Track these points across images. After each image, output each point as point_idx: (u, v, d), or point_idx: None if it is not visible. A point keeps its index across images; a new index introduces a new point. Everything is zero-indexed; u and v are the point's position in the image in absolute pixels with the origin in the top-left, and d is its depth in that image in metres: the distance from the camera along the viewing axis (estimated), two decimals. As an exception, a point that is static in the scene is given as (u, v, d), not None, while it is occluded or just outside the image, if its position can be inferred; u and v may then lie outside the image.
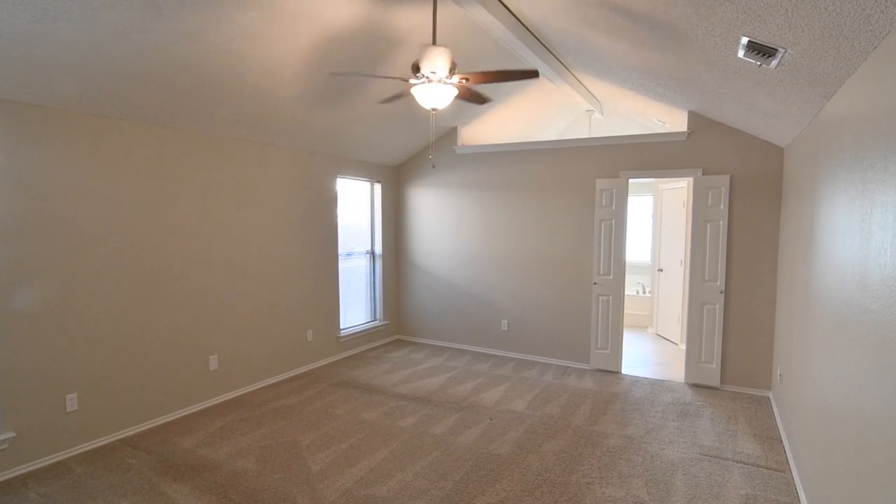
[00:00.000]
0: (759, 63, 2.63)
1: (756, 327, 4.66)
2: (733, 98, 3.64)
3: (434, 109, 3.24)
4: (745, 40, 2.43)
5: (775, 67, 2.59)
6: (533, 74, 2.93)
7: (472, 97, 3.54)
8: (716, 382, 4.80)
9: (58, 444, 3.31)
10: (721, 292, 4.73)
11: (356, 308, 6.19)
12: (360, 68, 3.91)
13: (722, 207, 4.69)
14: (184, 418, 3.98)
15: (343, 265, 5.87)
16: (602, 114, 6.84)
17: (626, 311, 6.07)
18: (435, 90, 3.11)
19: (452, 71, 3.07)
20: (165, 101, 3.52)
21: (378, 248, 6.36)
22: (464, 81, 3.12)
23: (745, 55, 2.59)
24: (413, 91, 3.19)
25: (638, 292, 8.11)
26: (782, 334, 4.12)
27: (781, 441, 3.69)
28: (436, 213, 6.32)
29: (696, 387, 4.85)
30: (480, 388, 4.75)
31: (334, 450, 3.48)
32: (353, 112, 4.68)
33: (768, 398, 4.56)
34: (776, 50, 2.40)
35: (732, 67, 2.94)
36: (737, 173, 4.67)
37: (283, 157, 4.90)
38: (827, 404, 2.48)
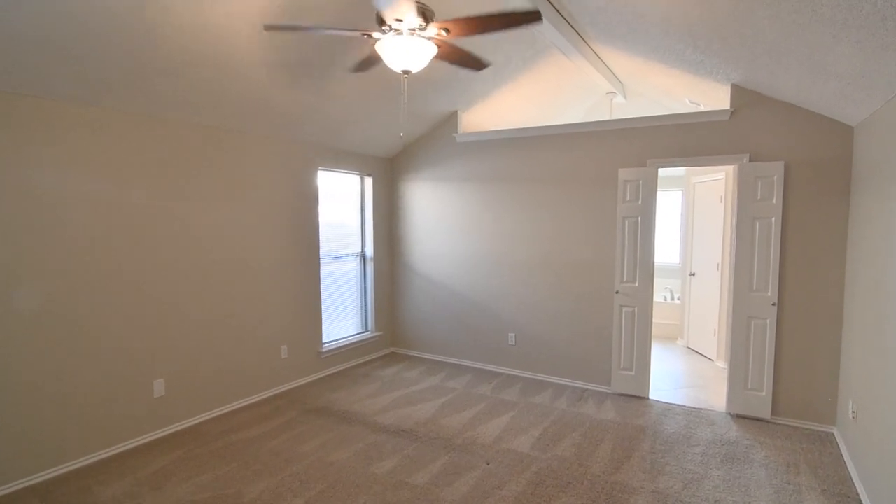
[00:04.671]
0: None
1: (816, 349, 3.80)
2: (798, 57, 2.81)
3: (406, 73, 2.50)
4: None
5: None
6: (534, 17, 2.17)
7: (462, 59, 2.78)
8: (766, 414, 3.95)
9: (-60, 498, 2.66)
10: (773, 305, 3.88)
11: (344, 318, 5.48)
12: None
13: (774, 201, 3.84)
14: (115, 457, 3.29)
15: (329, 269, 5.17)
16: (625, 97, 6.01)
17: (653, 321, 5.20)
18: (405, 45, 2.37)
19: (428, 19, 2.33)
20: (90, 74, 2.84)
21: (369, 250, 5.64)
22: (443, 33, 2.37)
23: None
24: (378, 48, 2.46)
25: (666, 298, 7.24)
26: (855, 359, 3.27)
27: (860, 501, 2.85)
28: (435, 209, 5.57)
29: (741, 418, 4.01)
30: (479, 419, 3.99)
31: (286, 507, 2.76)
32: (325, 88, 3.96)
33: (832, 435, 3.70)
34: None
35: (809, 5, 2.14)
36: (793, 159, 3.82)
37: (250, 145, 4.21)
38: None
